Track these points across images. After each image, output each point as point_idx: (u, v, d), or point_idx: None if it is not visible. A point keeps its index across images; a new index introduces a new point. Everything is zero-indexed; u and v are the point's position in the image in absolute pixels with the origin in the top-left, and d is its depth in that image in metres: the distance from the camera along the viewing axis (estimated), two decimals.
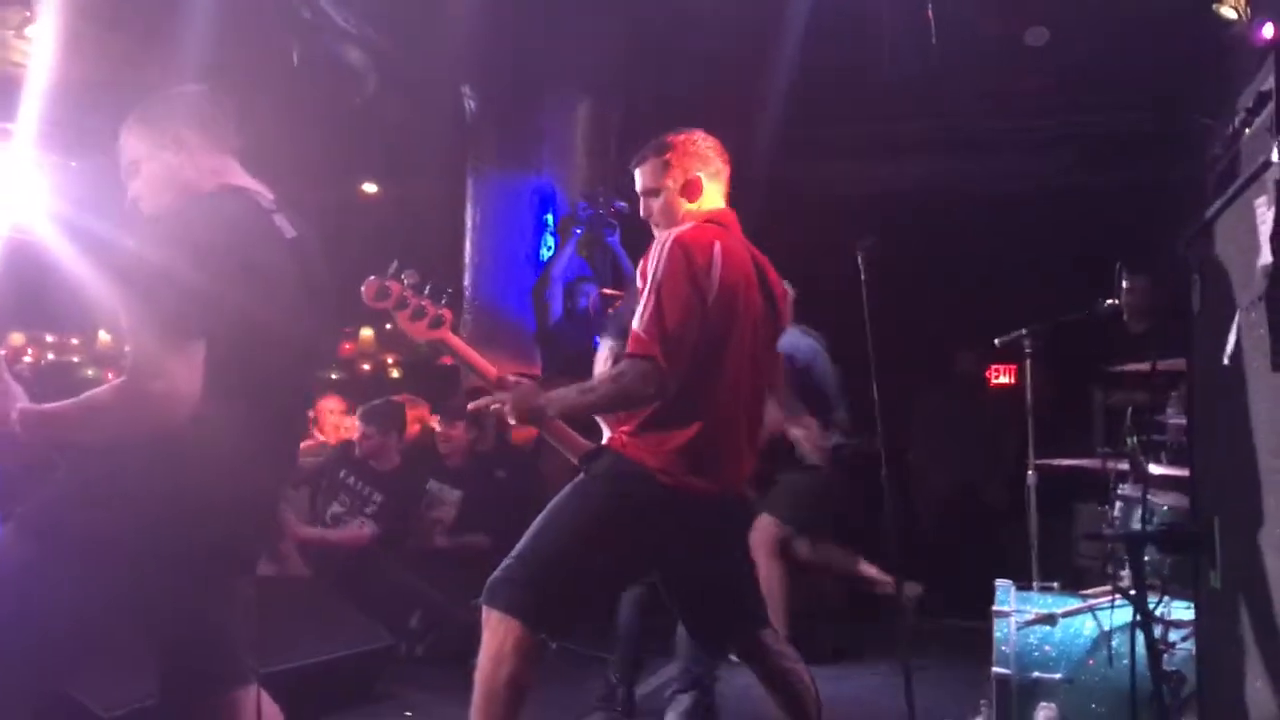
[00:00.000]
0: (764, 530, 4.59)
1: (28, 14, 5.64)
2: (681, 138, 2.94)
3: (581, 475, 2.77)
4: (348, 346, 12.54)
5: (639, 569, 2.93)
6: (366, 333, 12.60)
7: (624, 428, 2.77)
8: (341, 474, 5.57)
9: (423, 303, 2.79)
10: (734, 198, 3.03)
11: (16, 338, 14.27)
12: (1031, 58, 6.34)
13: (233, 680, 2.26)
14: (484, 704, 2.59)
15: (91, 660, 3.03)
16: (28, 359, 14.37)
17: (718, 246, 2.73)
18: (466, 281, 6.88)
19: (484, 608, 2.66)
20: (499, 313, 6.77)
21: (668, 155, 2.91)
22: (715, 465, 2.73)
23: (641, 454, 2.70)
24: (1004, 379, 7.49)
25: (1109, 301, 3.89)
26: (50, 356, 14.47)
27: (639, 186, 2.97)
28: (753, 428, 2.88)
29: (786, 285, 3.10)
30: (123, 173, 2.36)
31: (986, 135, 7.50)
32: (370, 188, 9.40)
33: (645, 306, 2.65)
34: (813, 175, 7.69)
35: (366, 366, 12.19)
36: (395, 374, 12.08)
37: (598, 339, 4.29)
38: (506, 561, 2.70)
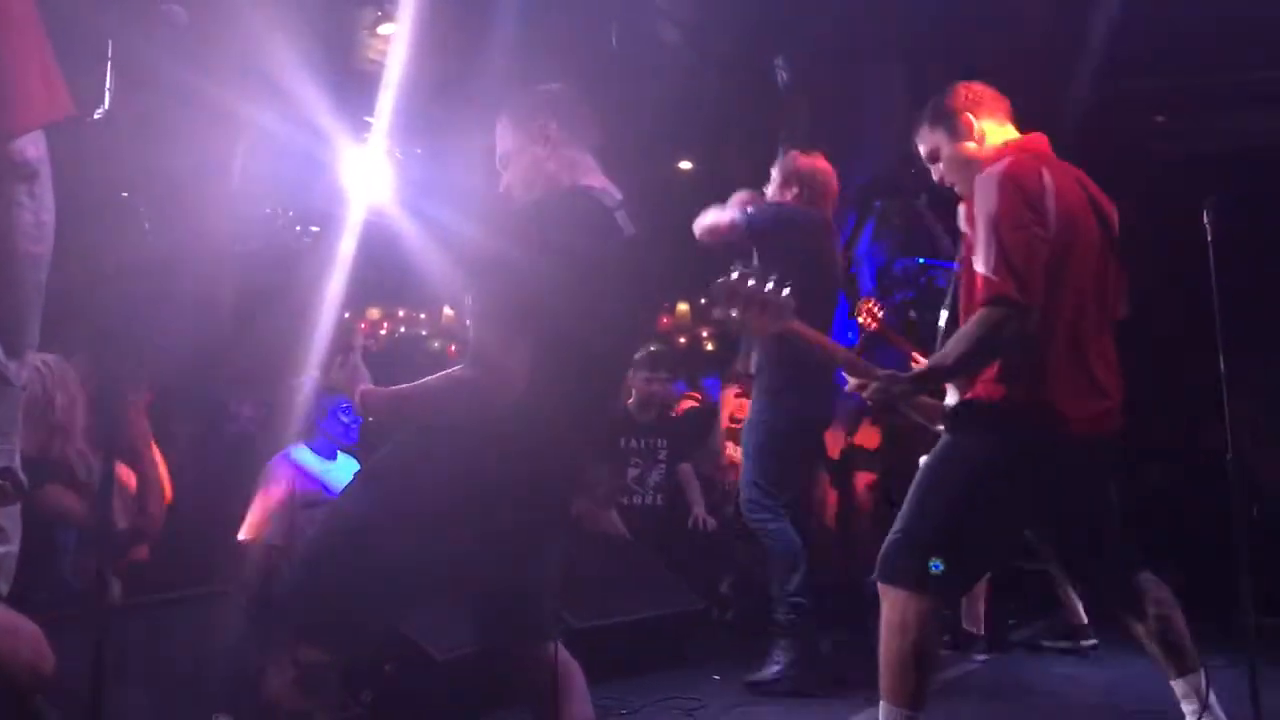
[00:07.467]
0: None
1: (379, 13, 6.13)
2: (943, 98, 2.89)
3: (948, 436, 2.74)
4: (664, 320, 12.86)
5: (1024, 521, 2.81)
6: (682, 307, 12.88)
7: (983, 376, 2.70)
8: (621, 443, 5.60)
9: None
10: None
11: (373, 312, 15.77)
12: None
13: (538, 634, 2.39)
14: (894, 675, 2.58)
15: (429, 607, 3.31)
16: (382, 332, 15.85)
17: (1045, 173, 2.65)
18: None
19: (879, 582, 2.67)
20: None
21: (933, 118, 2.88)
22: (1071, 400, 2.62)
23: (997, 396, 2.63)
24: None
25: None
26: (401, 330, 15.86)
27: (923, 155, 2.94)
28: (1105, 362, 2.73)
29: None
30: (498, 163, 2.52)
31: None
32: (686, 165, 9.55)
33: (987, 248, 2.56)
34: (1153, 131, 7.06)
35: (682, 340, 12.46)
36: (710, 346, 12.31)
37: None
38: (893, 534, 2.69)
